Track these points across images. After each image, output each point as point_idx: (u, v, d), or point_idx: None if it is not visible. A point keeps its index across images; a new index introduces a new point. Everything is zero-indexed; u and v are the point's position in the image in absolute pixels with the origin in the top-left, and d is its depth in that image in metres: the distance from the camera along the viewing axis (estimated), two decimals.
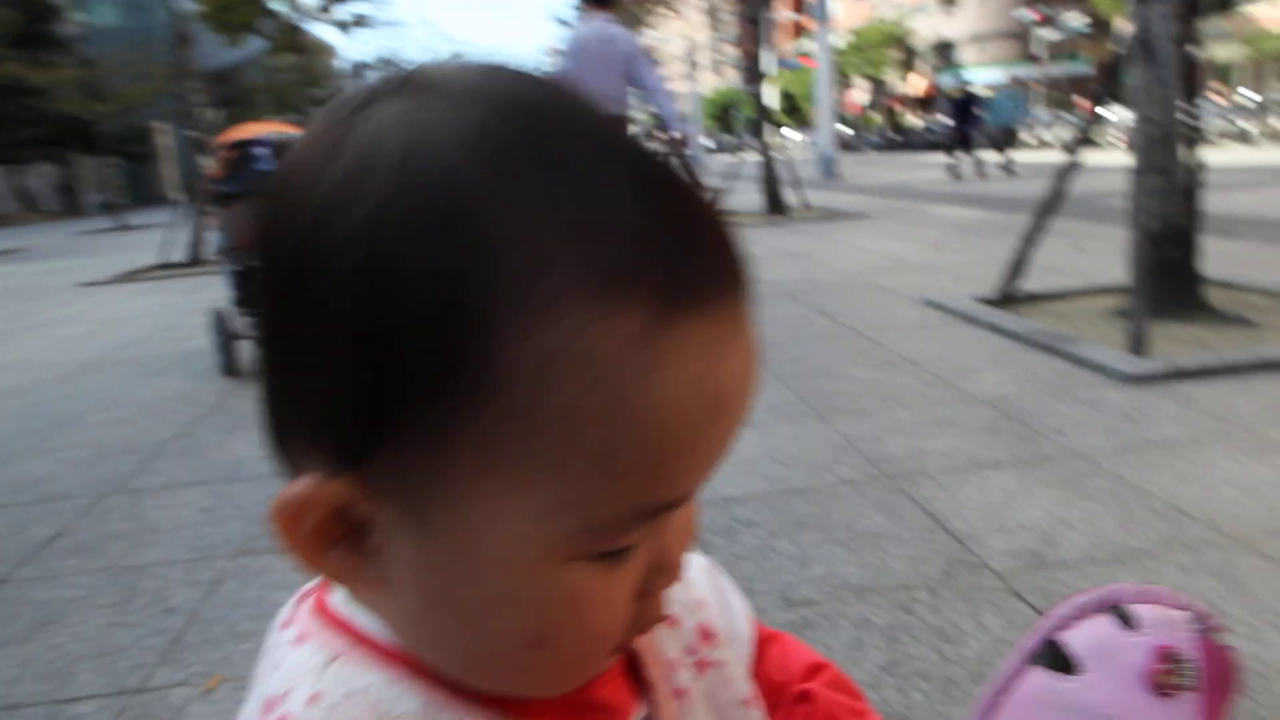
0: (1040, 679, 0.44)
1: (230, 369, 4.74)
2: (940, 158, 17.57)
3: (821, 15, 16.95)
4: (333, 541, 0.35)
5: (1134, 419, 3.01)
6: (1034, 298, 4.93)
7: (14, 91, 27.72)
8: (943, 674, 1.70)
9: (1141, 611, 0.44)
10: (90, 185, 41.99)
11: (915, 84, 53.25)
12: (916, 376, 3.71)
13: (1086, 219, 7.63)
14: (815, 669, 0.59)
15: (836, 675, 0.59)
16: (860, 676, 1.71)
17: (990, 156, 16.69)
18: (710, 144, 50.03)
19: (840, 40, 52.93)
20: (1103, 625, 0.44)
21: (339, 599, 0.41)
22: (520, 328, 0.30)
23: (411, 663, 0.38)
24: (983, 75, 48.99)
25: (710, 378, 0.33)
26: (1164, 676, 0.42)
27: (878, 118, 54.32)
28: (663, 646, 0.48)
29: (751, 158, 12.31)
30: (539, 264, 0.30)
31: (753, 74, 12.53)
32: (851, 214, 10.93)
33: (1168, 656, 0.42)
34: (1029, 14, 40.14)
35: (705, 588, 0.54)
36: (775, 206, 11.23)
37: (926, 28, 52.47)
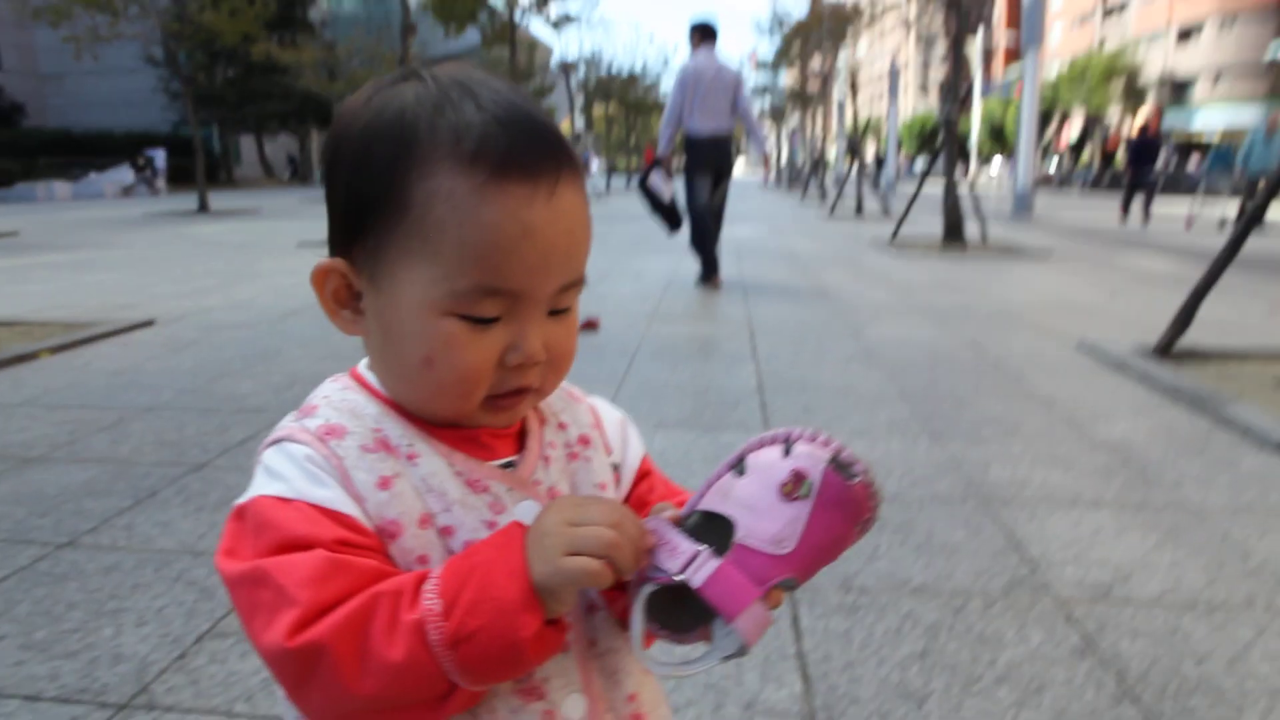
0: (727, 477, 0.64)
1: None
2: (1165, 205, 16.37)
3: (1030, 38, 16.11)
4: (344, 303, 0.69)
5: (1264, 483, 2.89)
6: (1202, 354, 4.69)
7: (265, 69, 31.03)
8: (970, 671, 1.81)
9: (800, 446, 0.62)
10: (320, 158, 46.32)
11: (1142, 121, 49.57)
12: (1045, 415, 3.68)
13: None
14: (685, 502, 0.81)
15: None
16: (890, 659, 1.85)
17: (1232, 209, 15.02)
18: (904, 168, 48.59)
19: (1053, 70, 50.00)
20: (773, 451, 0.63)
21: (363, 367, 0.72)
22: (418, 180, 0.62)
23: (385, 399, 0.69)
24: (1220, 115, 45.00)
25: (521, 214, 0.62)
26: (790, 488, 0.61)
27: (1088, 154, 50.90)
28: (549, 435, 0.75)
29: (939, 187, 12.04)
30: (433, 150, 0.62)
31: (949, 99, 12.26)
32: (1032, 252, 10.52)
33: (798, 476, 0.61)
34: None
35: (608, 422, 0.81)
36: (953, 238, 10.98)
37: (1158, 60, 48.66)
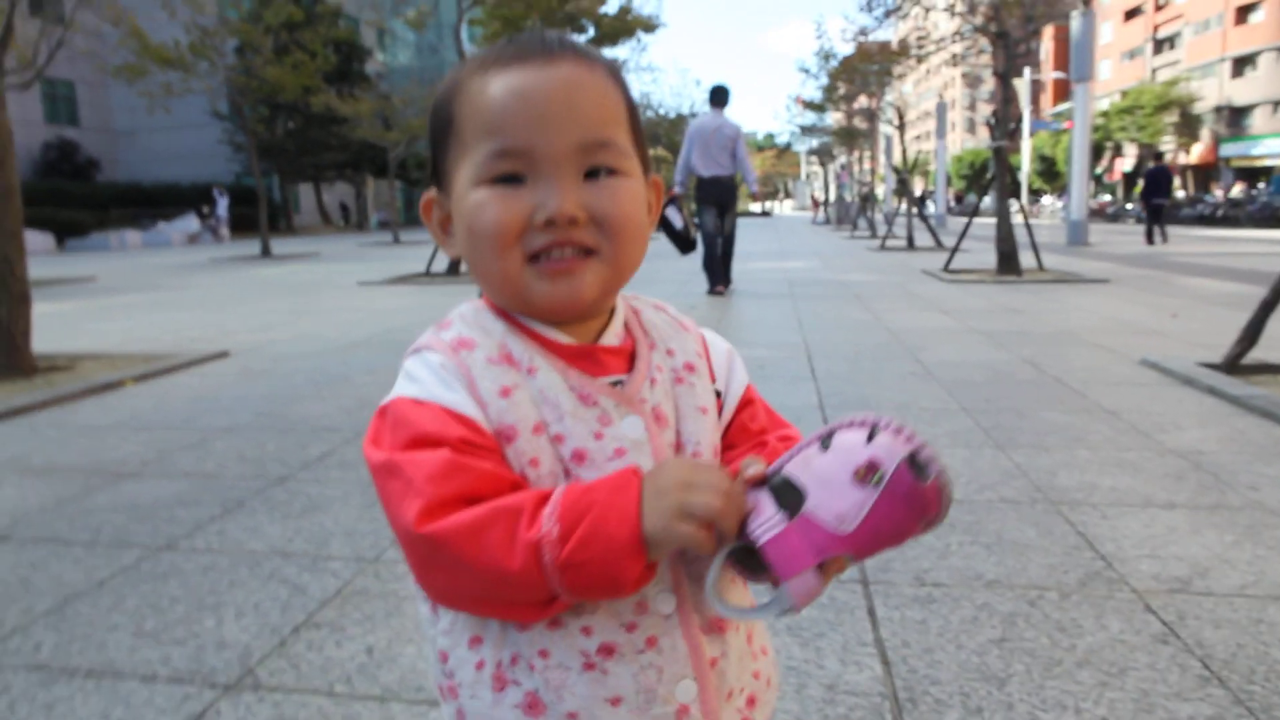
0: (814, 447, 0.68)
1: None
2: (1200, 231, 16.01)
3: (1080, 73, 16.05)
4: (446, 230, 0.81)
5: None
6: (1271, 368, 4.60)
7: (324, 121, 32.13)
8: (1050, 655, 1.82)
9: (882, 435, 0.65)
10: (374, 205, 47.60)
11: (1197, 153, 48.67)
12: (1110, 425, 3.65)
13: None
14: (783, 439, 0.85)
15: (797, 436, 0.84)
16: (968, 645, 1.87)
17: None
18: (953, 203, 48.28)
19: (1104, 102, 49.42)
20: (858, 434, 0.66)
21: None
22: (455, 102, 0.76)
23: (510, 317, 0.77)
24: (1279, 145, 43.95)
25: (513, 82, 0.72)
26: (862, 474, 0.64)
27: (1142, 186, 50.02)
28: (656, 359, 0.81)
29: (991, 219, 11.98)
30: (465, 76, 0.76)
31: (996, 132, 12.24)
32: (1089, 279, 10.38)
33: (871, 465, 0.64)
34: None
35: (716, 352, 0.87)
36: (1007, 266, 10.89)
37: (1213, 91, 47.81)
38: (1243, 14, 47.13)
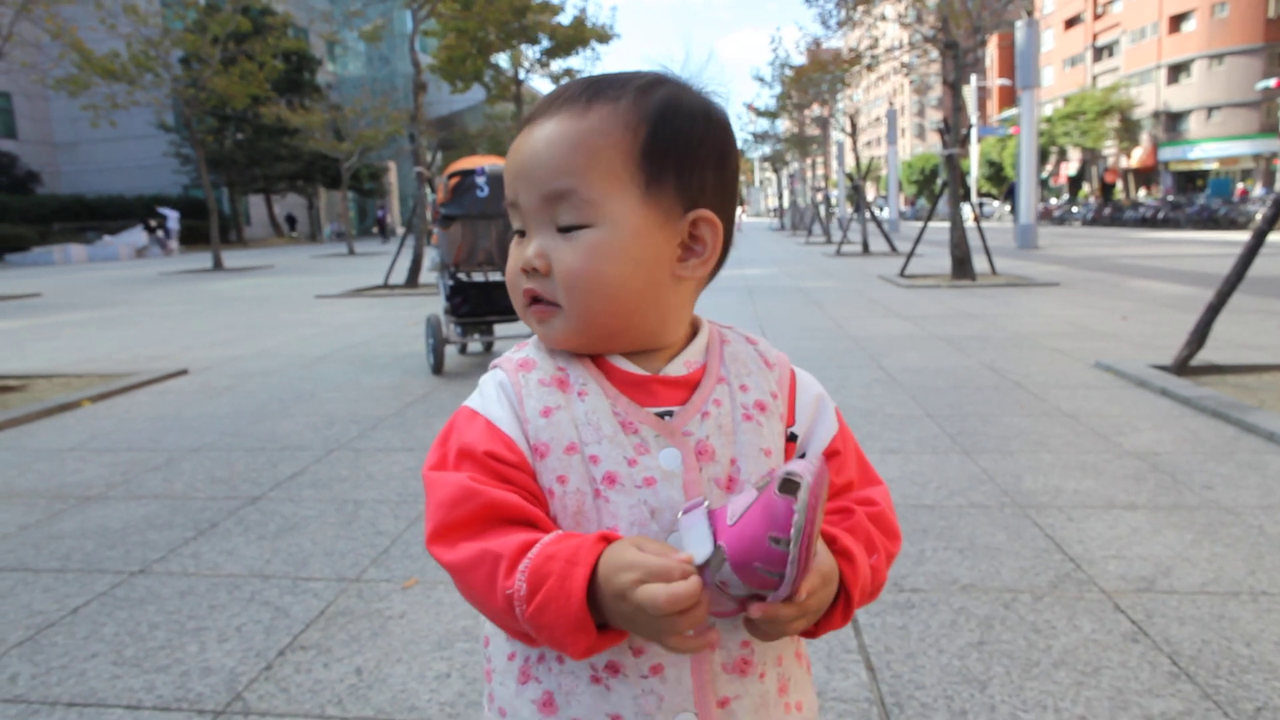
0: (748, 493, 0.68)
1: (438, 368, 5.41)
2: (1146, 233, 16.50)
3: (1025, 81, 16.48)
4: None
5: None
6: (1219, 369, 4.78)
7: (274, 132, 31.68)
8: (1027, 657, 1.88)
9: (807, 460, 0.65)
10: (327, 216, 46.91)
11: (1138, 157, 50.14)
12: (1070, 428, 3.76)
13: None
14: (865, 501, 0.82)
15: (881, 512, 0.81)
16: (949, 649, 1.92)
17: None
18: (904, 210, 49.08)
19: (1048, 108, 50.69)
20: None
21: None
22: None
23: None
24: (1217, 147, 45.53)
25: (519, 139, 0.79)
26: (762, 484, 0.65)
27: (1087, 189, 51.33)
28: (719, 393, 0.80)
29: (943, 224, 12.23)
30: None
31: (949, 139, 12.51)
32: (1041, 282, 10.65)
33: (771, 473, 0.65)
34: (1270, 83, 36.86)
35: (804, 394, 0.85)
36: (961, 270, 11.13)
37: (1151, 96, 49.31)
38: (1176, 23, 48.71)
